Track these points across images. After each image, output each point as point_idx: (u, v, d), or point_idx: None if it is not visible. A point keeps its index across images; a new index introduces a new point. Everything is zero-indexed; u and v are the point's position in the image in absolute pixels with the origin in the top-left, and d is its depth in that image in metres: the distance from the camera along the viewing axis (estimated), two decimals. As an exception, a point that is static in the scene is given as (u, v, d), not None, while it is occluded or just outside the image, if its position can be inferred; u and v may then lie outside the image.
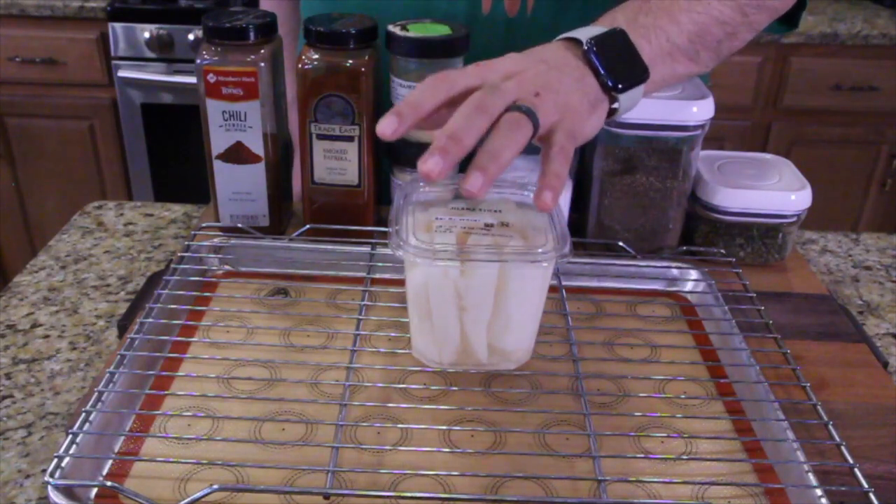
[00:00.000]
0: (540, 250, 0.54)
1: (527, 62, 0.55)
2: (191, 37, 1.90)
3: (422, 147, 0.73)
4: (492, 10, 0.74)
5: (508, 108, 0.52)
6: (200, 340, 0.63)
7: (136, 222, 0.87)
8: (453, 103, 0.52)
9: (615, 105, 0.59)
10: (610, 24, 0.60)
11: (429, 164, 0.48)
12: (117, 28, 1.90)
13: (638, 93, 0.60)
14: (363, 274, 0.70)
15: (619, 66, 0.57)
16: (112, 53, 1.93)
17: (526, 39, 0.82)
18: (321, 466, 0.50)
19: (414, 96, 0.52)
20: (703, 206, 0.74)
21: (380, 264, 0.71)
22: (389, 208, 0.58)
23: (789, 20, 0.76)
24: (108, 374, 0.56)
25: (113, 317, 0.70)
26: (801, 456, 0.52)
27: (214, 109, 0.70)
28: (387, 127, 0.50)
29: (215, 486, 0.47)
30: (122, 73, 1.93)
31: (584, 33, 0.58)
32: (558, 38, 0.60)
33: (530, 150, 0.76)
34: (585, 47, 0.57)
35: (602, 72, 0.57)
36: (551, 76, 0.55)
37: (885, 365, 0.65)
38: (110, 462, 0.52)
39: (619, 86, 0.57)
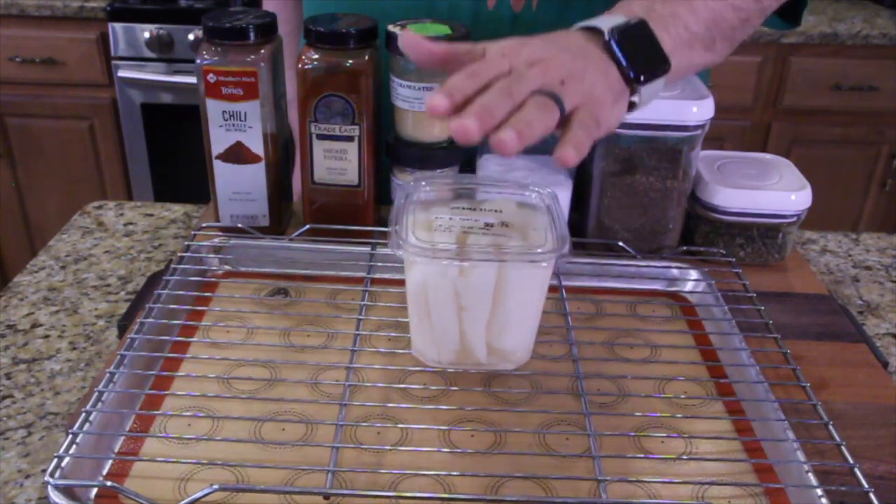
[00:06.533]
0: (539, 250, 0.54)
1: (552, 50, 0.54)
2: (191, 37, 1.90)
3: (421, 147, 0.74)
4: (496, 7, 0.74)
5: (534, 94, 0.51)
6: (200, 340, 0.63)
7: (136, 222, 0.87)
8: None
9: (634, 98, 0.58)
10: (627, 13, 0.59)
11: (465, 122, 0.47)
12: (117, 28, 1.90)
13: (658, 85, 0.58)
14: (363, 274, 0.70)
15: (640, 57, 0.56)
16: (112, 53, 1.93)
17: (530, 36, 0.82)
18: (321, 466, 0.50)
19: (454, 82, 0.51)
20: (703, 206, 0.74)
21: (380, 264, 0.71)
22: (390, 208, 0.58)
23: (792, 17, 0.77)
24: (108, 374, 0.56)
25: (113, 317, 0.70)
26: (801, 456, 0.52)
27: (214, 109, 0.70)
28: (441, 102, 0.49)
29: (215, 486, 0.47)
30: (122, 73, 1.94)
31: (606, 23, 0.57)
32: (578, 25, 0.59)
33: (532, 150, 0.76)
34: (607, 38, 0.56)
35: (624, 63, 0.56)
36: (576, 65, 0.54)
37: (885, 365, 0.65)
38: (110, 462, 0.52)
39: (641, 77, 0.56)
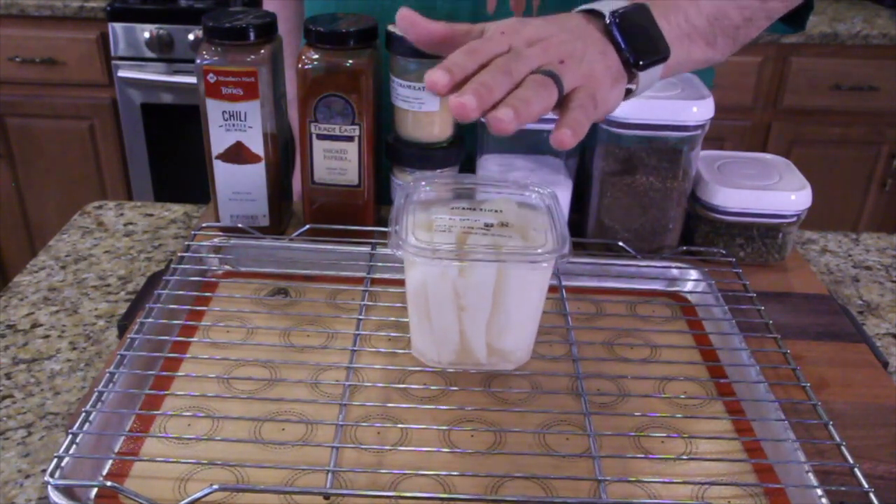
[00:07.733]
0: (539, 250, 0.54)
1: (552, 29, 0.54)
2: (191, 37, 1.90)
3: (421, 147, 0.74)
4: (496, 10, 0.74)
5: (533, 73, 0.51)
6: (200, 340, 0.63)
7: (136, 222, 0.87)
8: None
9: (632, 85, 0.57)
10: None
11: (463, 99, 0.47)
12: (117, 28, 1.90)
13: (656, 72, 0.58)
14: (363, 274, 0.70)
15: (640, 42, 0.56)
16: (112, 53, 1.93)
17: None
18: (321, 466, 0.50)
19: (454, 58, 0.50)
20: (703, 206, 0.74)
21: (380, 264, 0.71)
22: (390, 208, 0.58)
23: (797, 21, 0.76)
24: (108, 374, 0.56)
25: (113, 317, 0.70)
26: (801, 456, 0.52)
27: (214, 109, 0.70)
28: (441, 78, 0.49)
29: (215, 486, 0.47)
30: (122, 73, 1.94)
31: (607, 6, 0.57)
32: (579, 9, 0.58)
33: (532, 150, 0.76)
34: (608, 21, 0.56)
35: (623, 47, 0.55)
36: (576, 46, 0.53)
37: (885, 365, 0.65)
38: (110, 462, 0.52)
39: (640, 62, 0.56)
